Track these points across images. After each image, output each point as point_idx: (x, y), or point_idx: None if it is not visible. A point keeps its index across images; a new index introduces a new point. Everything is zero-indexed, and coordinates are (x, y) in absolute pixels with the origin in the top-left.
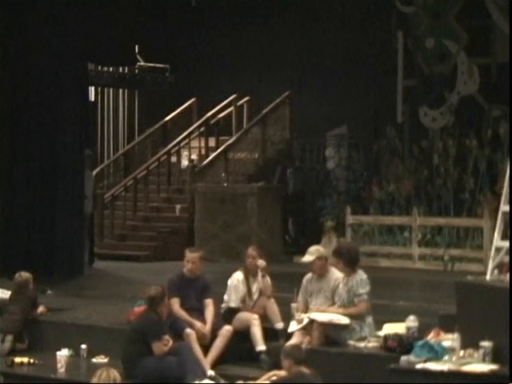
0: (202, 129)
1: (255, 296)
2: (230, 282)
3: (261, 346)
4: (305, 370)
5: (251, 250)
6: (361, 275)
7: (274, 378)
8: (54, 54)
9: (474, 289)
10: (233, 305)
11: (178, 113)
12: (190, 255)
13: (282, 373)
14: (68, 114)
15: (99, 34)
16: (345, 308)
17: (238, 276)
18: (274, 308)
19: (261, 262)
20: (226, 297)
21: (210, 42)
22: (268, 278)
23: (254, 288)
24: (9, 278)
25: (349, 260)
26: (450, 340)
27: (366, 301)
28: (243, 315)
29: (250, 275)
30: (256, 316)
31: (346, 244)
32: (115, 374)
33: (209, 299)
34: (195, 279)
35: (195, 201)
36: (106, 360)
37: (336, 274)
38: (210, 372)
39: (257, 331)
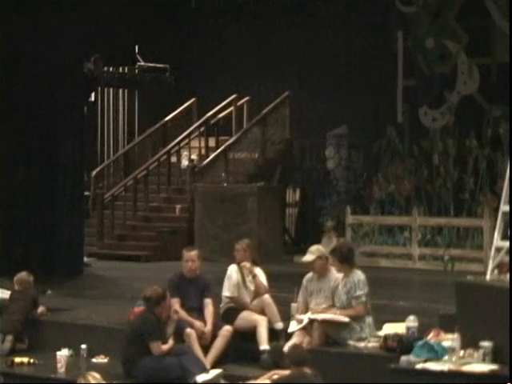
0: (202, 129)
1: (251, 287)
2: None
3: (264, 346)
4: (307, 370)
5: (236, 244)
6: (359, 276)
7: (276, 376)
8: (53, 53)
9: (473, 289)
10: (227, 294)
11: (178, 113)
12: (188, 254)
13: (284, 372)
14: (68, 113)
15: (99, 33)
16: (343, 309)
17: (232, 267)
18: (272, 308)
19: (243, 264)
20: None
21: (210, 42)
22: (258, 277)
23: (249, 279)
24: (9, 278)
25: (340, 256)
26: (450, 340)
27: (364, 303)
28: (250, 315)
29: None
30: (264, 317)
31: (341, 242)
32: (94, 375)
33: (208, 299)
34: (195, 279)
35: (195, 201)
36: (105, 360)
37: (336, 274)
38: (214, 371)
39: (263, 331)
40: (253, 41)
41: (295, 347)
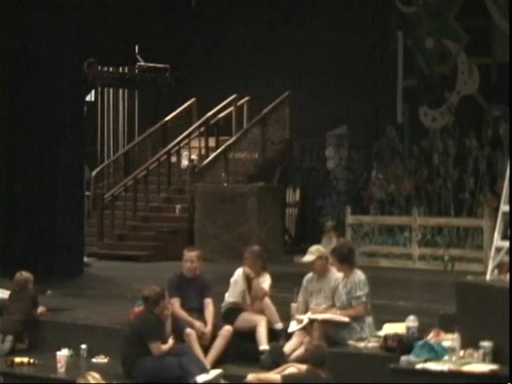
0: (202, 129)
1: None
2: (232, 278)
3: (264, 346)
4: (322, 373)
5: (245, 252)
6: (359, 276)
7: (293, 369)
8: (53, 53)
9: (473, 289)
10: (231, 299)
11: (178, 113)
12: (188, 254)
13: (301, 366)
14: (67, 113)
15: (99, 34)
16: (344, 310)
17: (239, 271)
18: (271, 309)
19: (244, 270)
20: (227, 295)
21: (210, 42)
22: (256, 280)
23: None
24: (9, 278)
25: (339, 256)
26: (450, 340)
27: (364, 303)
28: (249, 315)
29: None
30: (264, 317)
31: (341, 242)
32: (93, 375)
33: (208, 299)
34: (195, 279)
35: (195, 201)
36: (105, 360)
37: (336, 274)
38: (215, 371)
39: (263, 331)
40: (253, 41)
41: (317, 347)
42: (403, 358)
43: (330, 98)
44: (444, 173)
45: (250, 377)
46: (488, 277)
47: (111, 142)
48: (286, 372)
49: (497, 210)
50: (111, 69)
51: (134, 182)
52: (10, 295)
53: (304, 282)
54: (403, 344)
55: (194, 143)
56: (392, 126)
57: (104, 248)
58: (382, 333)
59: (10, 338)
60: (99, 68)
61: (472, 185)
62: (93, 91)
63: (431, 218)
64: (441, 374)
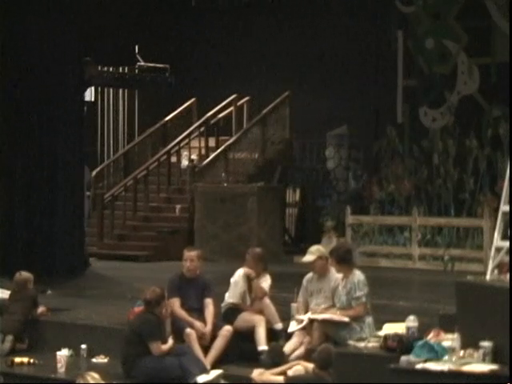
0: (202, 129)
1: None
2: (232, 278)
3: (263, 346)
4: (326, 375)
5: (247, 254)
6: (358, 277)
7: (299, 367)
8: (53, 53)
9: (473, 289)
10: (231, 300)
11: (178, 113)
12: (188, 254)
13: (308, 365)
14: (67, 113)
15: (99, 34)
16: (343, 310)
17: (239, 272)
18: (271, 309)
19: (246, 271)
20: (227, 295)
21: (210, 42)
22: (257, 281)
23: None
24: (9, 278)
25: (337, 257)
26: (450, 340)
27: (364, 303)
28: (248, 315)
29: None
30: (262, 317)
31: (339, 243)
32: (93, 376)
33: (209, 299)
34: (195, 279)
35: (195, 201)
36: (105, 360)
37: (336, 275)
38: (215, 371)
39: (261, 332)
40: (253, 41)
41: (324, 349)
42: (403, 358)
43: (329, 98)
44: (444, 173)
45: (256, 373)
46: (488, 277)
47: (111, 142)
48: (293, 370)
49: (497, 209)
50: (111, 69)
51: (134, 181)
52: (10, 295)
53: (304, 282)
54: (403, 344)
55: (194, 143)
56: (392, 125)
57: (104, 248)
58: (382, 333)
59: (10, 338)
60: (99, 68)
61: (472, 185)
62: (93, 91)
63: (431, 218)
64: (441, 373)
